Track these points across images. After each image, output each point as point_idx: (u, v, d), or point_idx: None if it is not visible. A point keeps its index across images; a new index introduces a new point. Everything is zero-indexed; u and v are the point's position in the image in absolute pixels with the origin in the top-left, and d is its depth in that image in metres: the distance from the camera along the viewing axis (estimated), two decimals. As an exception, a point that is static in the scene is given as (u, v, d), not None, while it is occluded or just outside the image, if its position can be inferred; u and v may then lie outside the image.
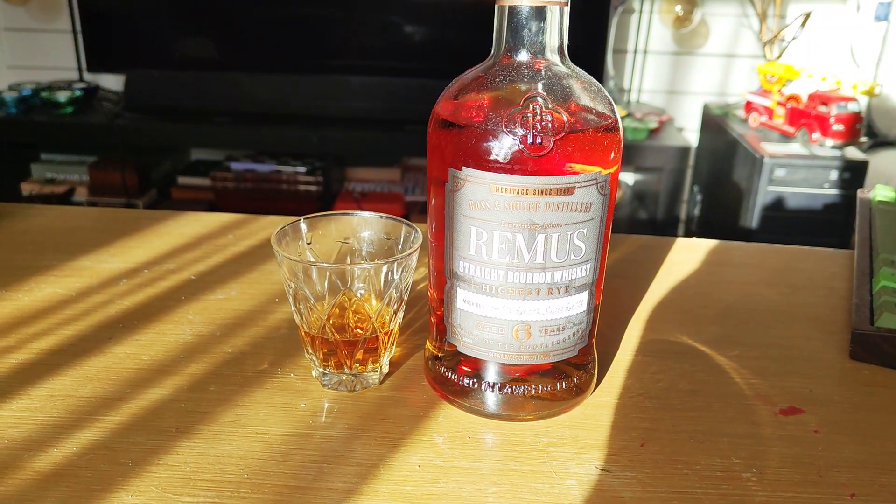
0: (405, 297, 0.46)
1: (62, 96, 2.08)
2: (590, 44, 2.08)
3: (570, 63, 0.40)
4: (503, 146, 0.37)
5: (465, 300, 0.41)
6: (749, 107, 1.86)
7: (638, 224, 2.17)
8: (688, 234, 2.29)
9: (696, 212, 2.15)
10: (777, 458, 0.41)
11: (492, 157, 0.37)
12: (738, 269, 0.65)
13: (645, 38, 2.27)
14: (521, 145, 0.37)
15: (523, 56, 0.39)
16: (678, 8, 2.10)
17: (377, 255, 0.49)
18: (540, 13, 0.38)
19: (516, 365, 0.42)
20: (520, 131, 0.37)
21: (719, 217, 1.96)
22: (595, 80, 0.41)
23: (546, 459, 0.40)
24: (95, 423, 0.42)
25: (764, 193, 1.63)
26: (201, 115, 2.10)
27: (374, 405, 0.44)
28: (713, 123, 2.01)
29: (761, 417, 0.44)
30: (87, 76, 2.34)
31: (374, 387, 0.46)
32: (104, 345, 0.50)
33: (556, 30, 0.39)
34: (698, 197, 2.13)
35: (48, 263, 0.61)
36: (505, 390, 0.43)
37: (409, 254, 0.44)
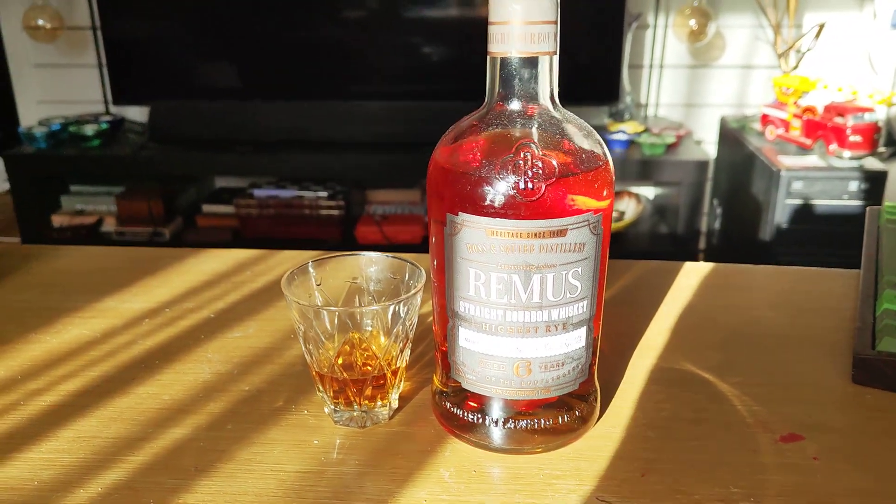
0: (411, 335, 0.47)
1: (89, 130, 2.14)
2: (605, 60, 2.10)
3: (561, 108, 0.42)
4: (497, 192, 0.39)
5: (466, 339, 0.43)
6: (765, 119, 1.86)
7: (658, 238, 2.18)
8: (708, 247, 2.28)
9: (717, 225, 2.15)
10: (775, 487, 0.42)
11: (486, 203, 0.39)
12: (744, 293, 0.66)
13: (660, 53, 2.28)
14: (514, 191, 0.39)
15: (515, 104, 0.41)
16: (692, 22, 2.11)
17: (384, 294, 0.50)
18: (530, 63, 0.40)
19: (519, 400, 0.44)
20: (512, 178, 0.39)
21: (739, 230, 1.96)
22: (586, 124, 0.43)
23: (549, 492, 0.42)
24: (119, 464, 0.44)
25: (782, 206, 1.63)
26: (224, 144, 2.15)
27: (384, 440, 0.46)
28: (730, 136, 2.01)
29: (762, 445, 0.45)
30: (113, 108, 2.40)
31: (384, 422, 0.48)
32: (128, 385, 0.52)
33: (546, 78, 0.41)
34: (718, 210, 2.13)
35: (74, 305, 0.64)
36: (509, 425, 0.44)
37: (413, 294, 0.46)
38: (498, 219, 0.39)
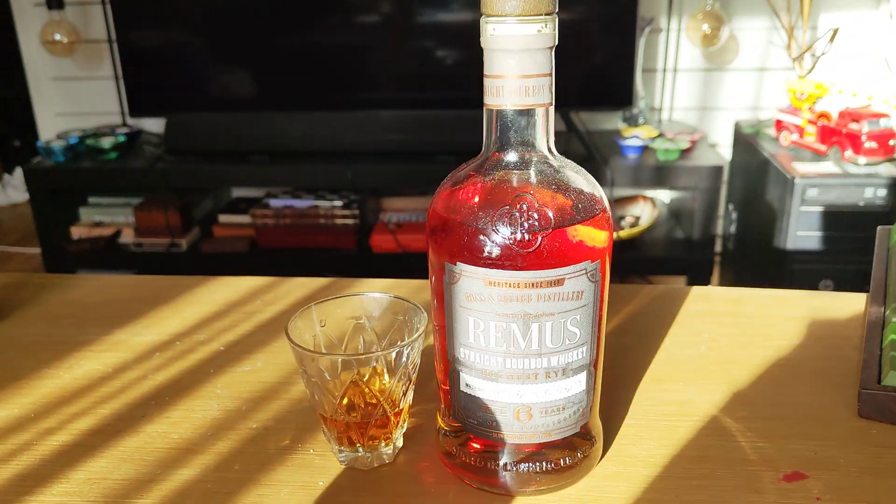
0: (414, 376, 0.48)
1: (106, 142, 2.16)
2: (618, 64, 2.09)
3: (559, 156, 0.42)
4: (494, 243, 0.39)
5: (467, 384, 0.43)
6: (779, 125, 1.85)
7: (674, 243, 2.17)
8: (724, 252, 2.27)
9: (732, 230, 2.14)
10: (777, 530, 0.42)
11: (484, 254, 0.40)
12: (752, 320, 0.66)
13: (674, 57, 2.27)
14: (510, 242, 0.39)
15: (512, 154, 0.41)
16: (705, 26, 2.09)
17: (387, 334, 0.51)
18: (527, 114, 0.40)
19: (522, 443, 0.44)
20: (508, 229, 0.39)
21: (755, 236, 1.95)
22: (583, 170, 0.43)
23: (551, 535, 0.42)
24: (128, 507, 0.45)
25: (797, 213, 1.62)
26: (239, 155, 2.17)
27: (388, 482, 0.46)
28: (745, 142, 2.00)
29: (764, 485, 0.45)
30: (130, 120, 2.42)
31: (390, 461, 0.48)
32: (138, 423, 0.53)
33: (542, 127, 0.41)
34: (734, 215, 2.12)
35: (87, 338, 0.65)
36: (510, 468, 0.44)
37: (416, 338, 0.46)
38: (495, 269, 0.39)
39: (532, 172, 0.41)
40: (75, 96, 2.47)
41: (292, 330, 0.47)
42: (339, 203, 2.19)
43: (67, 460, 0.49)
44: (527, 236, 0.39)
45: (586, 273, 0.40)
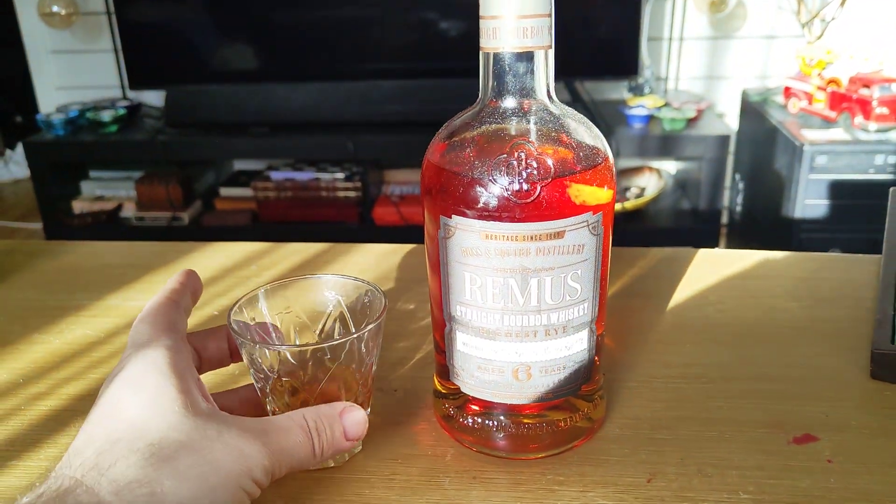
0: (375, 364, 0.44)
1: (107, 116, 2.14)
2: (623, 33, 2.05)
3: (559, 103, 0.40)
4: (490, 194, 0.37)
5: (464, 343, 0.42)
6: (788, 92, 1.82)
7: (680, 214, 2.14)
8: (731, 223, 2.25)
9: (739, 200, 2.11)
10: (786, 492, 0.40)
11: (480, 206, 0.38)
12: (761, 282, 0.64)
13: (680, 25, 2.23)
14: (508, 193, 0.37)
15: (510, 101, 0.39)
16: (713, -8, 2.06)
17: (347, 320, 0.46)
18: (524, 57, 0.38)
19: (521, 403, 0.42)
20: (506, 179, 0.37)
21: (762, 205, 1.92)
22: (585, 118, 0.41)
23: (552, 499, 0.40)
24: (116, 472, 0.43)
25: (806, 181, 1.60)
26: (240, 127, 2.15)
27: (385, 446, 0.45)
28: (752, 110, 1.97)
29: (774, 447, 0.44)
30: (130, 93, 2.40)
31: (383, 425, 0.47)
32: (128, 388, 0.52)
33: (542, 72, 0.39)
34: (740, 185, 2.09)
35: (78, 303, 0.63)
36: (510, 429, 0.43)
37: (374, 324, 0.42)
38: (492, 222, 0.38)
39: (531, 120, 0.39)
40: (75, 70, 2.45)
41: (238, 316, 0.43)
42: (340, 175, 2.17)
43: (56, 425, 0.48)
44: (525, 186, 0.37)
45: (588, 225, 0.38)
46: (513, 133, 0.39)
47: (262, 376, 0.42)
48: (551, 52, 0.39)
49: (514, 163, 0.37)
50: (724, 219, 2.27)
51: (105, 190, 2.34)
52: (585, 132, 0.40)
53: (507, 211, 0.37)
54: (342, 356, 0.41)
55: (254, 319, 0.45)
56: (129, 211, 2.25)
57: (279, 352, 0.42)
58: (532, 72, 0.39)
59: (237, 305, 0.44)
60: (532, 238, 0.38)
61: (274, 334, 0.46)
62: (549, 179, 0.37)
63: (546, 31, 0.37)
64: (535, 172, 0.37)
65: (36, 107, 2.51)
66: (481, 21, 0.38)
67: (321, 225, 2.19)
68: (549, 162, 0.38)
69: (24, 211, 2.88)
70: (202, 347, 0.44)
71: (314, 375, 0.42)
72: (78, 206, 2.27)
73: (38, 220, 2.41)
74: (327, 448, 0.38)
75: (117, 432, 0.34)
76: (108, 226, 2.22)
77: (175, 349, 0.38)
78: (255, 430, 0.36)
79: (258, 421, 0.37)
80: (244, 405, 0.45)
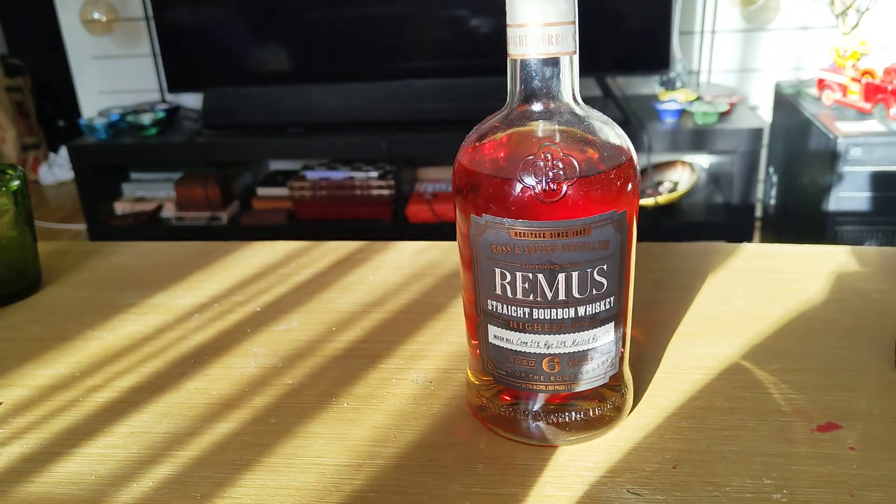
0: None
1: (146, 119, 2.20)
2: (655, 27, 2.05)
3: (583, 105, 0.42)
4: (519, 194, 0.39)
5: (495, 335, 0.44)
6: (822, 84, 1.80)
7: (713, 208, 2.13)
8: (765, 216, 2.23)
9: (773, 193, 2.10)
10: (809, 478, 0.42)
11: (509, 204, 0.40)
12: (789, 275, 0.65)
13: (712, 18, 2.22)
14: (536, 192, 0.39)
15: (537, 105, 0.41)
16: (745, -15, 2.04)
17: None
18: (551, 63, 0.40)
19: (551, 393, 0.44)
20: (533, 179, 0.39)
21: (796, 199, 1.91)
22: (609, 119, 0.43)
23: (581, 484, 0.42)
24: (169, 459, 0.46)
25: (840, 174, 1.58)
26: (276, 128, 2.19)
27: (421, 434, 0.47)
28: (785, 103, 1.96)
29: (797, 435, 0.45)
30: (169, 96, 2.46)
31: (418, 415, 0.49)
32: (178, 381, 0.55)
33: (567, 77, 0.41)
34: (774, 178, 2.08)
35: (129, 301, 0.67)
36: (542, 418, 0.45)
37: None
38: (521, 220, 0.40)
39: (557, 122, 0.41)
40: (115, 74, 2.51)
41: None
42: (374, 174, 2.20)
43: (111, 415, 0.51)
44: (552, 185, 0.39)
45: (612, 222, 0.40)
46: (540, 135, 0.41)
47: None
48: (576, 57, 0.41)
49: (541, 163, 0.39)
50: (758, 212, 2.26)
51: (146, 191, 2.40)
52: (609, 132, 0.42)
53: (535, 209, 0.39)
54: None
55: None
56: (169, 211, 2.31)
57: None
58: (558, 76, 0.40)
59: None
60: (559, 235, 0.39)
61: None
62: (575, 179, 0.39)
63: (570, 38, 0.39)
64: (561, 172, 0.39)
65: (78, 111, 2.58)
66: (508, 29, 0.40)
67: (355, 223, 2.22)
68: (575, 162, 0.39)
69: (67, 213, 2.96)
70: None
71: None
72: (120, 207, 2.33)
73: (82, 221, 2.48)
74: None
75: None
76: (148, 226, 2.28)
77: None
78: None
79: None
80: None
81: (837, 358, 0.53)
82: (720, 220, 2.07)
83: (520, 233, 0.40)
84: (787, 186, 2.00)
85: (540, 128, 0.41)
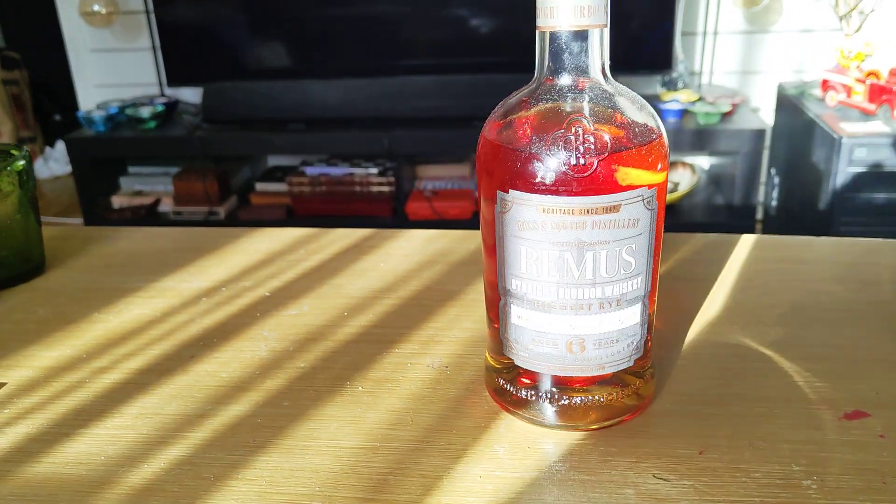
0: None
1: (145, 112, 2.18)
2: (658, 27, 2.05)
3: (613, 81, 0.41)
4: (548, 169, 0.38)
5: (518, 316, 0.43)
6: (826, 85, 1.80)
7: (714, 210, 2.13)
8: (766, 218, 2.23)
9: (775, 195, 2.09)
10: (839, 465, 0.41)
11: (537, 180, 0.39)
12: (807, 266, 0.65)
13: (715, 19, 2.22)
14: (566, 167, 0.38)
15: (565, 78, 0.40)
16: (749, -14, 2.04)
17: None
18: (581, 36, 0.39)
19: (574, 376, 0.43)
20: (563, 153, 0.38)
21: (798, 200, 1.91)
22: (639, 97, 0.42)
23: (605, 469, 0.41)
24: (180, 440, 0.45)
25: (844, 175, 1.58)
26: (275, 123, 2.17)
27: (438, 417, 0.46)
28: (788, 104, 1.95)
29: (824, 422, 0.44)
30: (168, 90, 2.44)
31: (435, 399, 0.48)
32: (187, 363, 0.53)
33: (597, 50, 0.40)
34: (776, 180, 2.07)
35: (135, 285, 0.65)
36: (563, 401, 0.44)
37: None
38: (549, 196, 0.38)
39: (587, 97, 0.40)
40: (114, 67, 2.50)
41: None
42: (374, 170, 2.19)
43: (120, 396, 0.50)
44: (582, 160, 0.38)
45: (643, 200, 0.39)
46: (568, 110, 0.40)
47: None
48: (606, 31, 0.40)
49: (572, 138, 0.38)
50: (759, 214, 2.25)
51: (143, 185, 2.39)
52: (639, 110, 0.41)
53: (565, 185, 0.38)
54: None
55: None
56: (166, 206, 2.29)
57: None
58: (587, 50, 0.39)
59: None
60: (588, 212, 0.38)
61: None
62: (606, 154, 0.38)
63: (602, 10, 0.38)
64: (593, 147, 0.38)
65: (76, 105, 2.56)
66: (538, 1, 0.39)
67: (355, 219, 2.21)
68: (606, 137, 0.38)
69: (63, 207, 2.94)
70: None
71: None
72: (117, 201, 2.32)
73: (79, 215, 2.46)
74: None
75: None
76: (146, 220, 2.26)
77: None
78: None
79: None
80: None
81: (859, 348, 0.52)
82: (721, 221, 2.07)
83: (548, 209, 0.39)
84: (788, 188, 2.00)
85: (568, 102, 0.40)
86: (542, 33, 0.40)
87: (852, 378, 0.48)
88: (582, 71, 0.40)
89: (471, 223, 2.11)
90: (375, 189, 2.19)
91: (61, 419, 0.48)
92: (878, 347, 0.52)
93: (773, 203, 2.13)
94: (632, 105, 0.41)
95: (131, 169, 2.45)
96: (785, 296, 0.60)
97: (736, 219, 2.04)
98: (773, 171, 2.12)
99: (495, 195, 0.41)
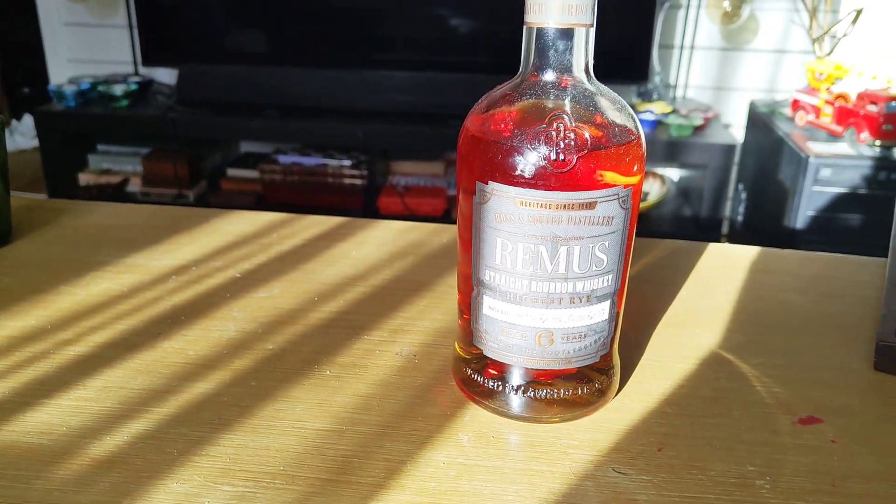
0: None
1: (118, 90, 2.15)
2: (636, 39, 2.07)
3: (596, 81, 0.42)
4: (528, 162, 0.39)
5: (490, 307, 0.43)
6: (796, 105, 1.84)
7: (682, 222, 2.16)
8: (732, 232, 2.27)
9: (741, 210, 2.13)
10: (792, 467, 0.42)
11: (517, 173, 0.39)
12: (770, 276, 0.66)
13: (692, 34, 2.26)
14: (545, 161, 0.39)
15: (549, 75, 0.41)
16: (726, 3, 2.08)
17: None
18: (566, 34, 0.40)
19: (540, 369, 0.44)
20: (544, 148, 0.39)
21: (764, 216, 1.94)
22: (620, 98, 0.43)
23: (566, 460, 0.42)
24: (145, 414, 0.45)
25: (809, 193, 1.62)
26: (250, 109, 2.16)
27: (404, 404, 0.47)
28: (759, 121, 1.99)
29: (780, 426, 0.46)
30: (142, 69, 2.41)
31: (402, 386, 0.48)
32: (154, 339, 0.53)
33: (581, 49, 0.40)
34: (743, 195, 2.11)
35: (103, 259, 0.65)
36: (529, 393, 0.44)
37: None
38: (528, 189, 0.39)
39: (569, 94, 0.41)
40: (88, 43, 2.46)
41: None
42: (347, 163, 2.19)
43: (85, 369, 0.49)
44: (562, 156, 0.39)
45: (618, 199, 0.40)
46: (551, 106, 0.40)
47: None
48: (592, 31, 0.40)
49: (553, 133, 0.39)
50: (725, 228, 2.29)
51: (112, 164, 2.35)
52: (619, 111, 0.42)
53: (543, 179, 0.39)
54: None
55: None
56: (134, 186, 2.26)
57: None
58: (572, 49, 0.40)
59: None
60: (565, 207, 0.39)
61: None
62: (585, 151, 0.39)
63: (590, 9, 0.39)
64: (572, 144, 0.39)
65: (46, 78, 2.51)
66: (528, -4, 0.39)
67: (325, 211, 2.20)
68: (586, 135, 0.39)
69: (28, 181, 2.88)
70: None
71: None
72: (84, 178, 2.28)
73: (43, 191, 2.42)
74: None
75: None
76: (113, 199, 2.23)
77: None
78: None
79: None
80: None
81: (818, 356, 0.53)
82: (688, 233, 2.10)
83: (526, 202, 0.39)
84: (755, 203, 2.04)
85: (551, 99, 0.40)
86: (530, 29, 0.40)
87: (808, 385, 0.50)
88: (566, 69, 0.41)
89: (442, 220, 2.12)
90: (348, 182, 2.19)
91: (23, 388, 0.47)
92: (833, 356, 0.53)
93: (739, 218, 2.17)
94: (612, 106, 0.42)
95: (100, 147, 2.42)
96: (747, 303, 0.61)
97: (702, 231, 2.07)
98: (740, 186, 2.16)
99: (475, 186, 0.41)
